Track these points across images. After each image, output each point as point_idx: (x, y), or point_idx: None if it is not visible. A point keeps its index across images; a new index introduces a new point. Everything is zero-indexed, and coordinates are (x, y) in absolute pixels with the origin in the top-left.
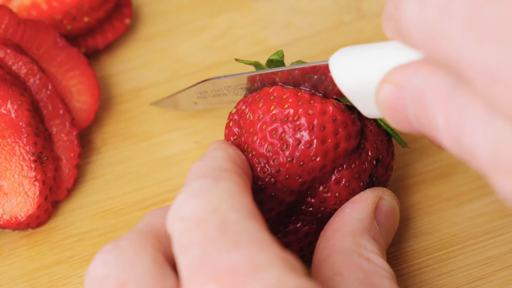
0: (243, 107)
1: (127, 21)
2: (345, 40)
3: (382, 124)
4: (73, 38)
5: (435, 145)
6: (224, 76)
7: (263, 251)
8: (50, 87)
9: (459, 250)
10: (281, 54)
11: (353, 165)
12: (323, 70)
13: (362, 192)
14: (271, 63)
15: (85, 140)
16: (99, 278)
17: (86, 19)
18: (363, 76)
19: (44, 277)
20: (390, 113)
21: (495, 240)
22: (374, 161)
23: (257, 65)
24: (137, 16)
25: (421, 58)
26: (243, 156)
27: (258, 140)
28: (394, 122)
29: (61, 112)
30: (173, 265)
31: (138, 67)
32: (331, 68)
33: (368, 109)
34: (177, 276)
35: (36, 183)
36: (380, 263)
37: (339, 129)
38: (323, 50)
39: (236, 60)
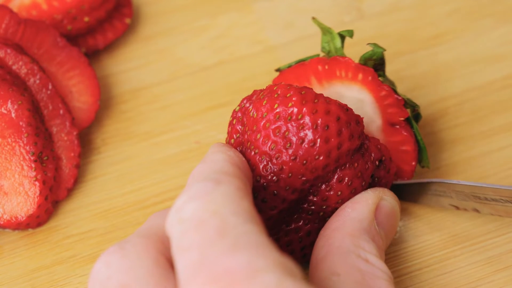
0: (247, 105)
1: (127, 21)
2: (345, 40)
3: (417, 135)
4: (73, 38)
5: None
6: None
7: (262, 255)
8: (50, 87)
9: (459, 250)
10: (351, 33)
11: (356, 164)
12: None
13: (363, 192)
14: (340, 36)
15: (85, 140)
16: (102, 279)
17: (86, 19)
18: None
19: (44, 277)
20: None
21: (495, 240)
22: (376, 162)
23: (327, 31)
24: (137, 16)
25: None
26: (244, 159)
27: (261, 138)
28: None
29: (61, 112)
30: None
31: (138, 67)
32: None
33: None
34: None
35: (36, 182)
36: (378, 264)
37: (343, 129)
38: None
39: (313, 19)
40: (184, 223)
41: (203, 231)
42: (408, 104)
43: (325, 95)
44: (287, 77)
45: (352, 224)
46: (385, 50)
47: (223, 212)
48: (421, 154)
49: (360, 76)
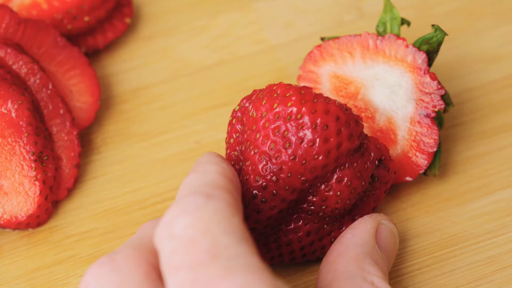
0: (247, 104)
1: (128, 20)
2: None
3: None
4: (73, 38)
5: None
6: None
7: (256, 279)
8: (50, 86)
9: (459, 250)
10: (409, 23)
11: (355, 164)
12: None
13: (360, 219)
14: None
15: (85, 139)
16: None
17: (86, 18)
18: None
19: (44, 277)
20: None
21: (495, 240)
22: (376, 161)
23: (390, 10)
24: (138, 15)
25: None
26: (235, 172)
27: (261, 138)
28: None
29: (61, 111)
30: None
31: (138, 66)
32: None
33: None
34: None
35: (37, 182)
36: (384, 287)
37: (342, 129)
38: None
39: None
40: (175, 240)
41: (194, 252)
42: (444, 99)
43: (363, 74)
44: (328, 46)
45: (355, 248)
46: (447, 34)
47: (214, 231)
48: (434, 158)
49: (409, 58)
